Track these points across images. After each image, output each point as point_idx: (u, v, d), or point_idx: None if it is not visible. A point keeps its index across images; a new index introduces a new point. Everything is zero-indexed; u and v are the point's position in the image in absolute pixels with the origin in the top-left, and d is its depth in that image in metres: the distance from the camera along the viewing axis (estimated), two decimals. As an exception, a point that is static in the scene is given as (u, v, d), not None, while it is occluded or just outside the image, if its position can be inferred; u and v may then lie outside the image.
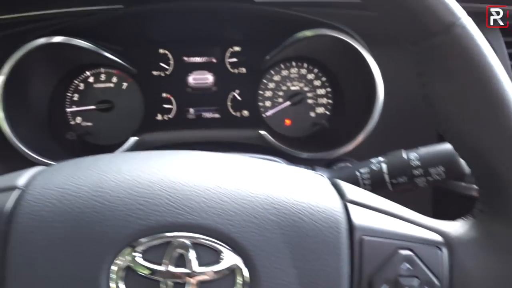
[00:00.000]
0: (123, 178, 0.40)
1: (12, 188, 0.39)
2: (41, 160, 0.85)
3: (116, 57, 0.92)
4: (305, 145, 0.98)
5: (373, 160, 0.62)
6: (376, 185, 0.60)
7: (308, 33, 0.86)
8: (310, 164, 0.89)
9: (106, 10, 0.84)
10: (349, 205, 0.42)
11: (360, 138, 0.87)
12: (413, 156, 0.59)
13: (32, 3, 0.81)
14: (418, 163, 0.58)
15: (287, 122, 1.03)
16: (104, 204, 0.38)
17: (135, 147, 0.91)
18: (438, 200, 0.99)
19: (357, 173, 0.61)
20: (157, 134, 0.94)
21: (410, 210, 0.44)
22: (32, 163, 0.83)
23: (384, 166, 0.60)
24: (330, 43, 0.88)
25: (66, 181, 0.40)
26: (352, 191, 0.44)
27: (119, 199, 0.39)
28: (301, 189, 0.42)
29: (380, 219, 0.41)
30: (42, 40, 0.81)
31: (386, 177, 0.60)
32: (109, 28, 0.88)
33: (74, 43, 0.84)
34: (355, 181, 0.61)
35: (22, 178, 0.41)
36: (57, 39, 0.82)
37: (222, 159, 0.47)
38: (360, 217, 0.41)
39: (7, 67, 0.81)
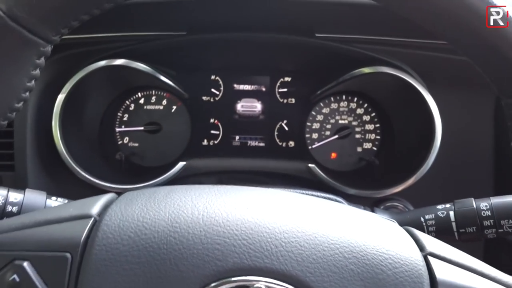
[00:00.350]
0: (199, 215, 0.39)
1: (87, 217, 0.38)
2: (90, 179, 0.85)
3: (170, 80, 0.92)
4: (351, 180, 0.95)
5: (439, 207, 0.59)
6: (441, 233, 0.57)
7: (366, 70, 0.85)
8: (355, 201, 0.87)
9: (168, 36, 0.85)
10: (430, 258, 0.40)
11: (412, 179, 0.85)
12: (483, 205, 0.56)
13: (98, 26, 0.84)
14: (489, 213, 0.55)
15: (333, 155, 1.01)
16: (181, 242, 0.37)
17: (182, 172, 0.91)
18: (489, 247, 0.94)
19: (422, 219, 0.59)
20: (204, 160, 0.94)
21: (491, 266, 0.41)
22: (81, 181, 0.84)
23: (451, 214, 0.57)
24: (386, 81, 0.87)
25: (142, 213, 0.39)
26: (430, 242, 0.42)
27: (196, 237, 0.37)
28: (378, 237, 0.40)
29: (462, 275, 0.39)
30: (103, 62, 0.82)
31: (454, 225, 0.57)
32: (168, 53, 0.90)
33: (133, 66, 0.85)
34: (419, 227, 0.58)
35: (96, 206, 0.40)
36: (118, 61, 0.83)
37: (295, 199, 0.45)
38: (443, 272, 0.38)
39: (68, 86, 0.83)
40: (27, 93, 0.41)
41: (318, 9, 0.79)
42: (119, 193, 0.84)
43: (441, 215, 0.58)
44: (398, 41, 0.83)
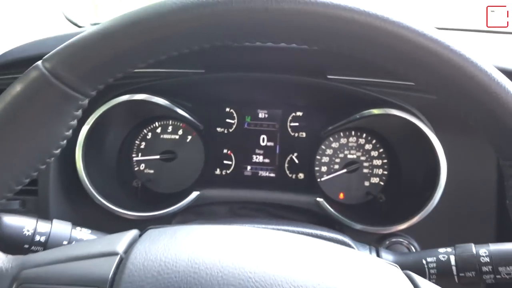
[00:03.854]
0: (217, 256, 0.42)
1: (114, 254, 0.41)
2: (109, 207, 0.89)
3: (186, 112, 0.97)
4: (358, 214, 0.98)
5: (441, 251, 0.62)
6: (442, 276, 0.60)
7: (376, 111, 0.89)
8: (361, 236, 0.90)
9: (187, 73, 0.91)
10: None
11: (416, 218, 0.87)
12: (483, 252, 0.59)
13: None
14: (487, 259, 0.58)
15: (341, 189, 1.04)
16: (199, 282, 0.40)
17: (195, 201, 0.95)
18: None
19: (423, 262, 0.62)
20: (216, 190, 0.97)
21: None
22: (100, 208, 0.88)
23: (452, 258, 0.60)
24: (394, 122, 0.90)
25: (165, 253, 0.41)
26: None
27: (213, 278, 0.40)
28: (380, 284, 0.43)
29: None
30: (126, 97, 0.87)
31: (454, 269, 0.60)
32: (186, 88, 0.95)
33: (153, 101, 0.90)
34: (420, 269, 0.61)
35: (122, 244, 0.42)
36: (139, 96, 0.88)
37: (304, 244, 0.48)
38: None
39: (92, 118, 0.88)
40: (65, 141, 0.45)
41: (330, 53, 0.83)
42: (138, 220, 0.87)
43: (442, 258, 0.60)
44: (408, 85, 0.87)
